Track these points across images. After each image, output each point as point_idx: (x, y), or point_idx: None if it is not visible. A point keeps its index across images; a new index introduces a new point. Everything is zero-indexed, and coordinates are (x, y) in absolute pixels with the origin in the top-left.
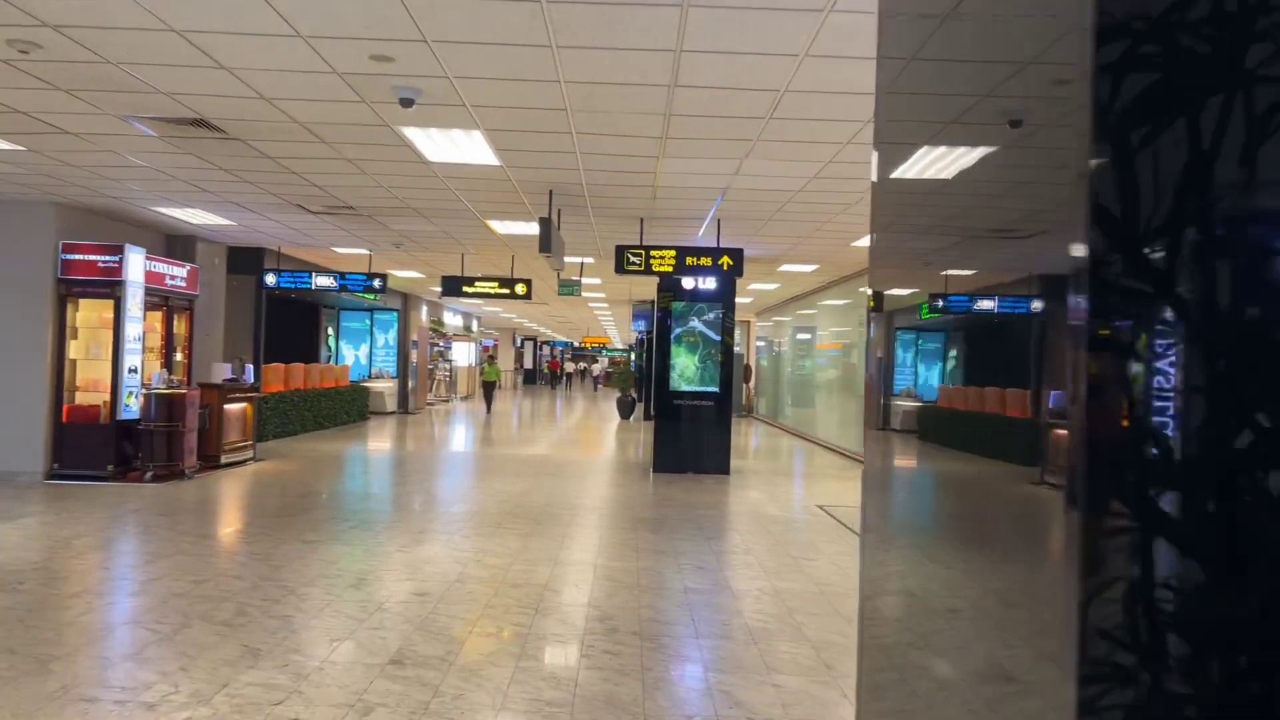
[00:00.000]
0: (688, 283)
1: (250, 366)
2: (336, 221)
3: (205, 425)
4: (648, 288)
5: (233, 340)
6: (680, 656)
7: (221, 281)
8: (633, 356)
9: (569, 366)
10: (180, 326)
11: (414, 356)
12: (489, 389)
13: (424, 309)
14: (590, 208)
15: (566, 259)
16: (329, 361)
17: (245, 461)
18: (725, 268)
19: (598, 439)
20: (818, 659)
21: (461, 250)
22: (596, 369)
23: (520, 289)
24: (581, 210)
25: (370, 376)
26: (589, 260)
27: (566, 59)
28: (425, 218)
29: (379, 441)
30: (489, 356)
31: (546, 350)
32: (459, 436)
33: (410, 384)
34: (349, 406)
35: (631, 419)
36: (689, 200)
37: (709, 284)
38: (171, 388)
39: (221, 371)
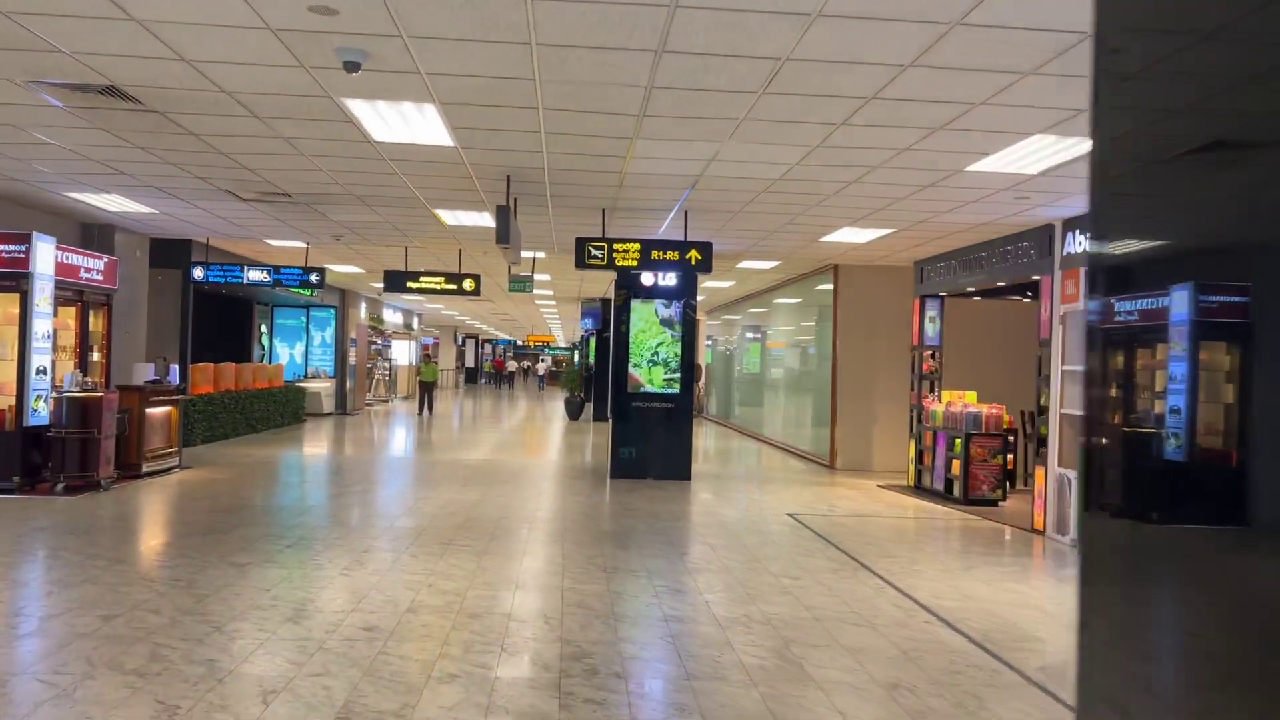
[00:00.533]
0: (646, 279)
1: (175, 367)
2: (271, 211)
3: (124, 431)
4: (598, 285)
5: (157, 339)
6: (675, 705)
7: (144, 275)
8: (577, 355)
9: (511, 365)
10: (97, 324)
11: (352, 355)
12: (427, 390)
13: (363, 306)
14: (550, 196)
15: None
16: (262, 361)
17: (170, 470)
18: (693, 262)
19: (548, 442)
20: (830, 705)
21: (406, 243)
22: (540, 368)
23: (469, 285)
24: (539, 200)
25: (306, 376)
26: (540, 255)
27: (542, 15)
28: (369, 206)
29: (316, 446)
30: (426, 355)
31: (489, 348)
32: (401, 440)
33: (348, 384)
34: (283, 408)
35: (580, 419)
36: (658, 189)
37: (669, 280)
38: (86, 390)
39: (143, 372)
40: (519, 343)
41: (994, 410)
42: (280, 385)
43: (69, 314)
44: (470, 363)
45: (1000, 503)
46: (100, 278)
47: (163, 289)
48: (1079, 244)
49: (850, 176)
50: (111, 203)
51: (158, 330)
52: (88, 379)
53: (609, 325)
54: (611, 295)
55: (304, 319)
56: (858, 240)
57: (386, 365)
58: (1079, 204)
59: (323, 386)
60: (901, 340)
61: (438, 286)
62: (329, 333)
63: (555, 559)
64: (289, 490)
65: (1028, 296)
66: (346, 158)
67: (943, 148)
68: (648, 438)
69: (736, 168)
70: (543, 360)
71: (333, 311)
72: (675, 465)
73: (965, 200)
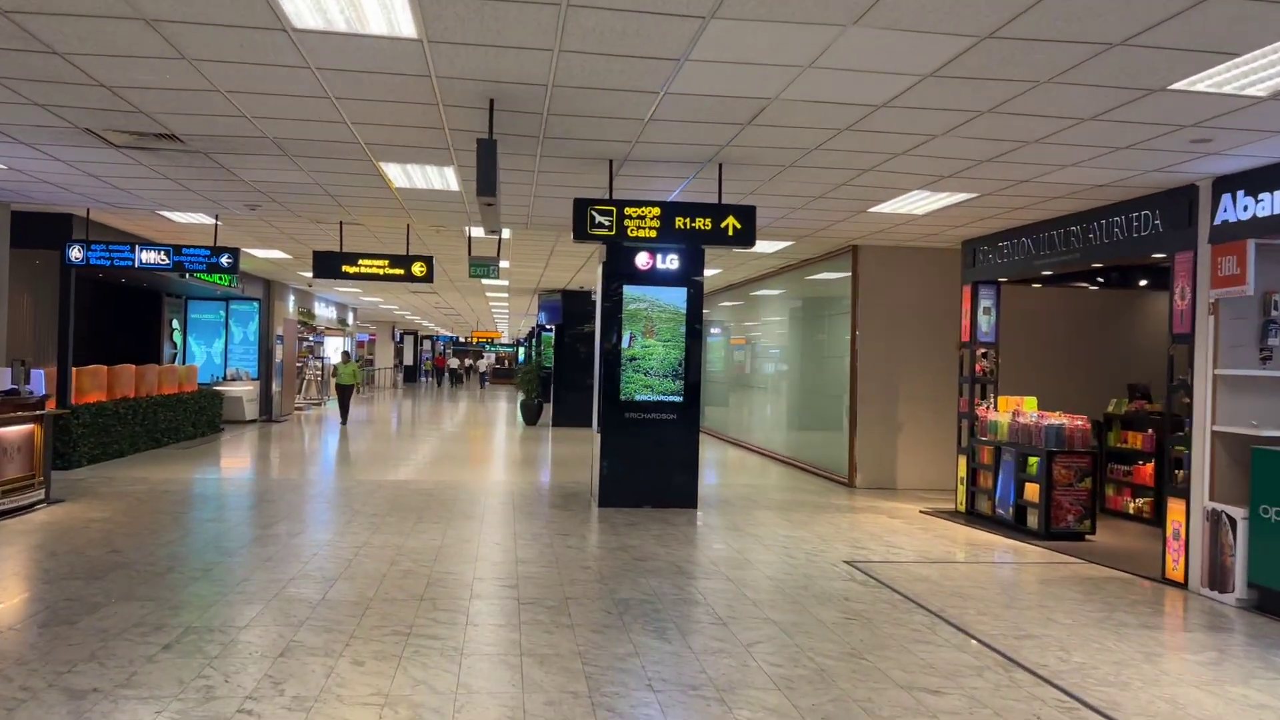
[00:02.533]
0: (642, 260)
1: (39, 373)
2: (156, 165)
3: None
4: (562, 274)
5: (23, 337)
6: None
7: (1, 255)
8: (522, 352)
9: (453, 363)
10: None
11: (279, 354)
12: (345, 394)
13: (291, 299)
14: (544, 137)
15: (478, 231)
16: (174, 361)
17: (30, 507)
18: (731, 233)
19: (510, 454)
20: None
21: (342, 215)
22: (483, 365)
23: (418, 269)
24: (524, 146)
25: (225, 378)
26: (505, 234)
27: None
28: (290, 159)
29: (231, 465)
30: (344, 354)
31: (428, 345)
32: (333, 454)
33: (275, 386)
34: (196, 416)
35: (538, 424)
36: (702, 125)
37: (671, 262)
38: None
39: (1, 379)
40: (461, 339)
41: (1078, 423)
42: (193, 390)
43: None
44: (410, 360)
45: (1087, 536)
46: None
47: (33, 275)
48: (1246, 207)
49: (982, 104)
50: None
51: (25, 326)
52: None
53: (570, 320)
54: (575, 286)
55: (223, 313)
56: (915, 211)
57: (319, 364)
58: (1259, 152)
59: (244, 390)
60: (930, 335)
61: (380, 271)
62: (252, 329)
63: (567, 662)
64: (184, 536)
65: (1112, 280)
66: (255, 66)
67: (1165, 43)
68: (644, 456)
69: (833, 84)
70: (484, 358)
71: (256, 305)
72: (678, 490)
73: (1112, 145)
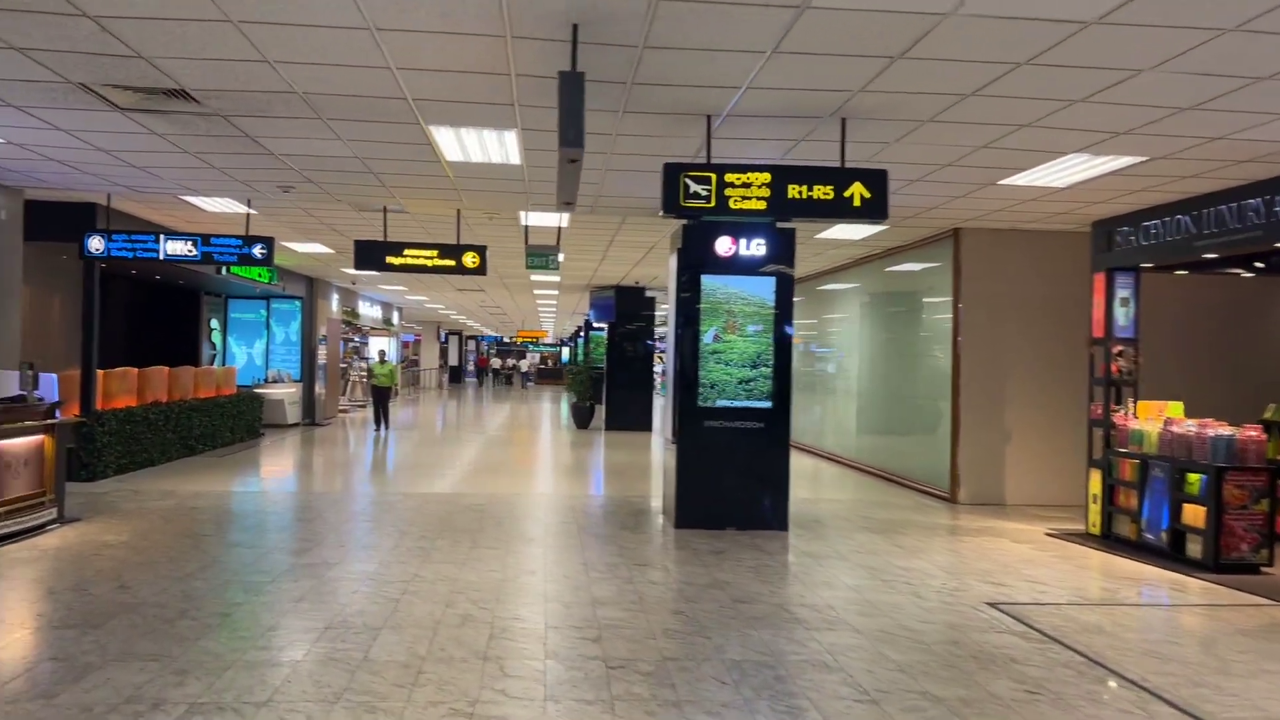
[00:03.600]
0: (723, 246)
1: (51, 377)
2: (171, 133)
3: None
4: (615, 267)
5: (55, 338)
6: None
7: (15, 247)
8: (567, 352)
9: (495, 363)
10: None
11: (322, 354)
12: (381, 397)
13: (334, 297)
14: (631, 84)
15: (535, 218)
16: (213, 362)
17: (40, 528)
18: (856, 203)
19: (564, 461)
20: None
21: (385, 199)
22: (525, 365)
23: (470, 260)
24: (605, 97)
25: (266, 380)
26: (563, 222)
27: None
28: (325, 123)
29: (268, 474)
30: (380, 354)
31: (472, 346)
32: (377, 462)
33: (318, 388)
34: (235, 421)
35: (589, 428)
36: (833, 62)
37: (757, 247)
38: None
39: (8, 384)
40: (505, 339)
41: (1252, 434)
42: (231, 393)
43: None
44: (454, 360)
45: (1263, 568)
46: None
47: (59, 272)
48: None
49: (1229, 19)
50: None
51: (53, 328)
52: None
53: (623, 319)
54: (629, 281)
55: (264, 313)
56: (1056, 183)
57: (363, 365)
58: None
59: (286, 392)
60: (1043, 331)
61: (428, 262)
62: (294, 328)
63: None
64: (200, 567)
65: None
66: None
67: None
68: (727, 470)
69: None
70: (527, 358)
71: (298, 304)
72: (767, 510)
73: None
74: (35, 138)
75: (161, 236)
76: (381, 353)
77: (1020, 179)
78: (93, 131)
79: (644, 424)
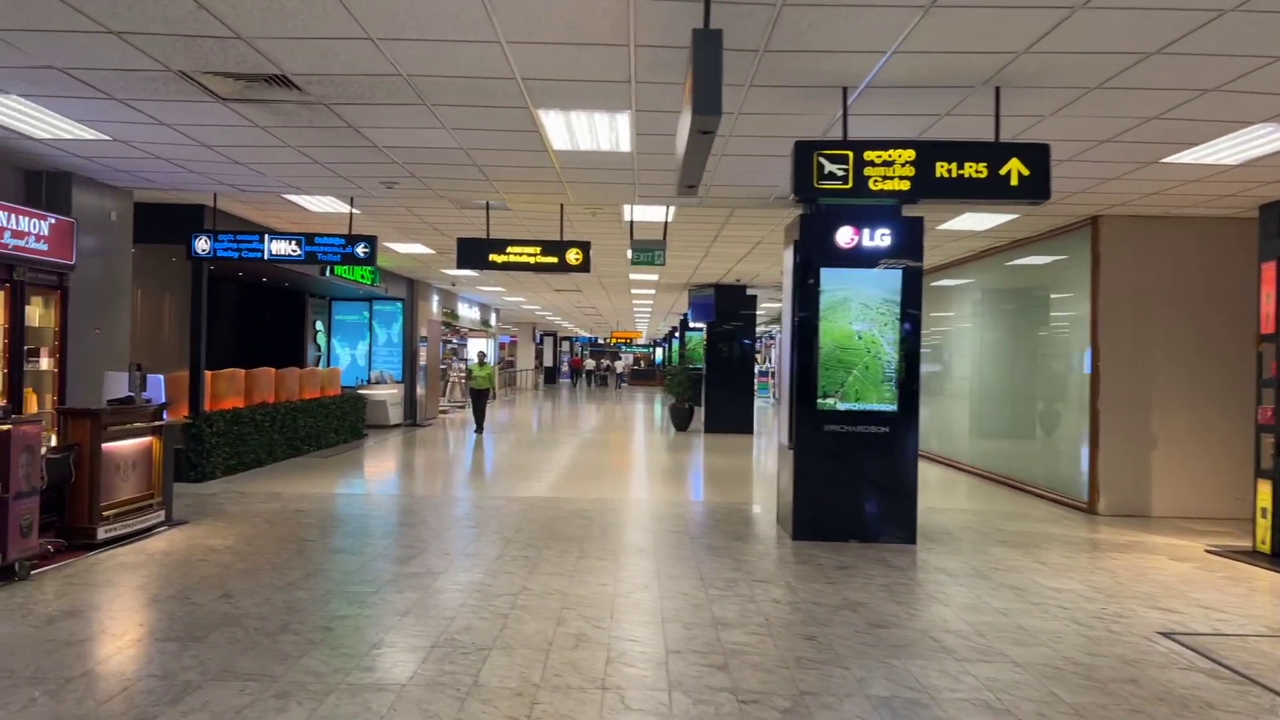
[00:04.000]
0: (844, 237)
1: (158, 379)
2: (273, 125)
3: (67, 478)
4: (717, 264)
5: (169, 339)
6: None
7: (125, 247)
8: (660, 353)
9: (589, 364)
10: (45, 314)
11: (423, 355)
12: (480, 399)
13: (434, 298)
14: (763, 51)
15: (640, 212)
16: (318, 363)
17: (148, 531)
18: (1014, 182)
19: (666, 465)
20: None
21: (488, 194)
22: (620, 366)
23: (573, 257)
24: (732, 69)
25: (369, 381)
26: (669, 215)
27: None
28: (430, 109)
29: (371, 475)
30: (479, 355)
31: (566, 347)
32: (478, 464)
33: (419, 389)
34: (339, 422)
35: (688, 430)
36: (997, 16)
37: (881, 239)
38: None
39: (118, 385)
40: (598, 340)
41: None
42: (335, 394)
43: None
44: (549, 361)
45: None
46: (43, 247)
47: (165, 272)
48: None
49: None
50: (18, 114)
51: (166, 329)
52: None
53: (723, 318)
54: (730, 279)
55: (366, 314)
56: (1228, 160)
57: (462, 366)
58: None
59: (388, 393)
60: (1195, 327)
61: (531, 260)
62: (396, 330)
63: None
64: (303, 575)
65: None
66: None
67: None
68: (850, 477)
69: None
70: (620, 358)
71: (399, 306)
72: (893, 521)
73: None
74: (140, 134)
75: (266, 236)
76: (480, 354)
77: (1188, 155)
78: (196, 125)
79: (744, 426)
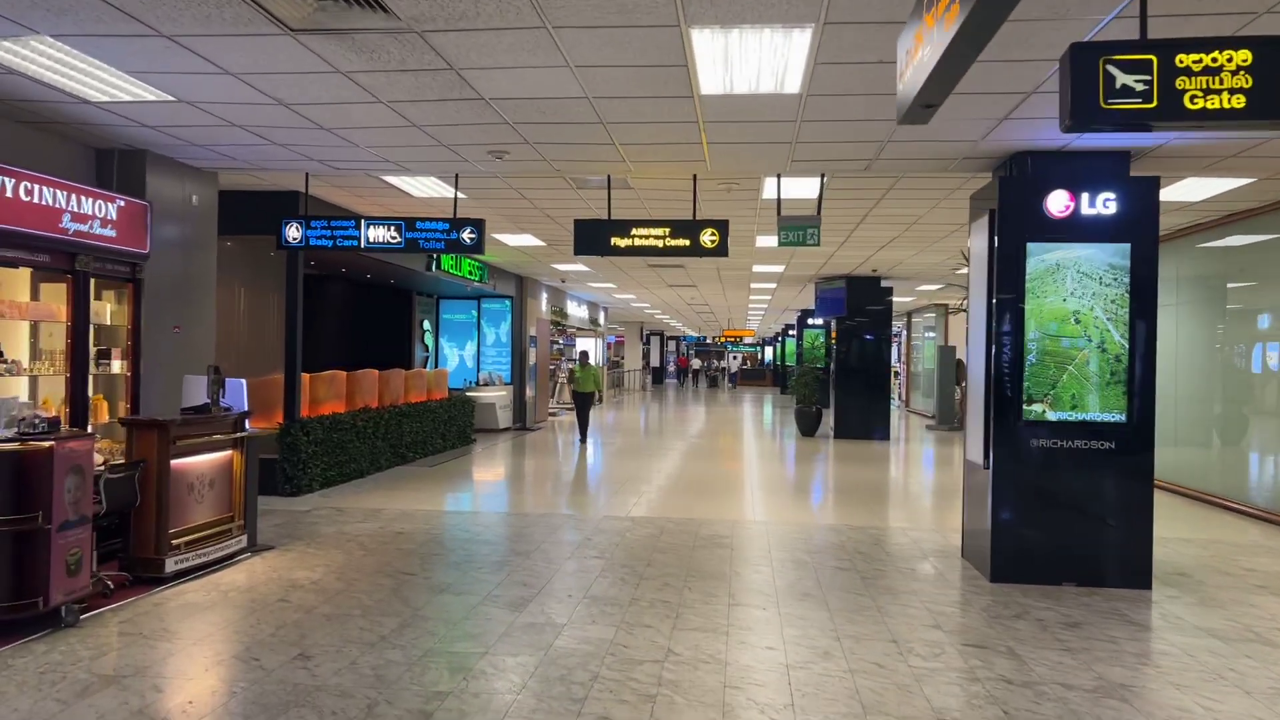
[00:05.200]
0: (1057, 203)
1: (240, 383)
2: (356, 70)
3: (130, 501)
4: (858, 251)
5: (251, 338)
6: None
7: (209, 236)
8: (769, 352)
9: (695, 363)
10: (117, 311)
11: (532, 356)
12: (583, 404)
13: (544, 296)
14: None
15: (788, 184)
16: (426, 365)
17: (227, 560)
18: None
19: (804, 478)
20: None
21: (613, 163)
22: (733, 365)
23: (709, 238)
24: None
25: (478, 383)
26: (813, 192)
27: None
28: (550, 31)
29: (481, 487)
30: (581, 355)
31: (672, 346)
32: (595, 475)
33: (528, 391)
34: (447, 427)
35: (817, 435)
36: None
37: (1105, 205)
38: (25, 433)
39: (198, 391)
40: (707, 339)
41: None
42: (443, 397)
43: (54, 294)
44: (655, 361)
45: None
46: (110, 233)
47: (259, 267)
48: None
49: None
50: (61, 67)
51: (246, 326)
52: (38, 411)
53: (855, 312)
54: (866, 271)
55: (475, 313)
56: None
57: (570, 367)
58: None
59: (497, 395)
60: None
61: (659, 243)
62: (504, 329)
63: None
64: (399, 625)
65: None
66: None
67: None
68: (1065, 505)
69: None
70: (727, 358)
71: (508, 304)
72: (1121, 559)
73: None
74: (205, 90)
75: (362, 222)
76: (583, 355)
77: None
78: (266, 74)
79: (878, 431)
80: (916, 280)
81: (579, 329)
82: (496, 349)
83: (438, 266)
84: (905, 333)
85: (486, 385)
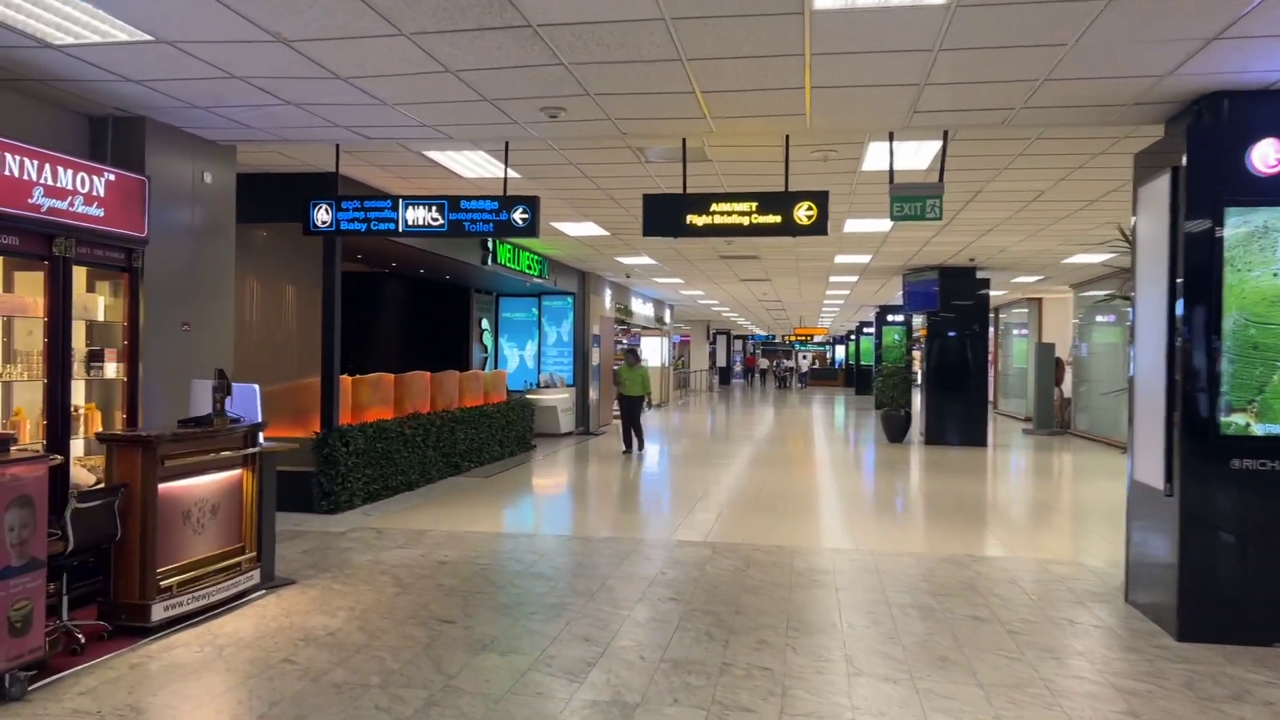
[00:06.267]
0: (1265, 155)
1: (252, 389)
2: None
3: (109, 534)
4: (959, 236)
5: (309, 341)
6: None
7: (224, 220)
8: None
9: (762, 363)
10: (112, 306)
11: (595, 356)
12: (631, 410)
13: (607, 293)
14: None
15: (899, 149)
16: (484, 366)
17: (233, 602)
18: None
19: (902, 493)
20: None
21: (691, 120)
22: (800, 365)
23: (803, 213)
24: None
25: (539, 385)
26: (929, 156)
27: None
28: None
29: (539, 503)
30: (628, 352)
31: (739, 346)
32: (665, 488)
33: (592, 394)
34: (505, 432)
35: (904, 442)
36: None
37: None
38: None
39: (204, 398)
40: (775, 338)
41: None
42: (500, 400)
43: (29, 283)
44: (722, 361)
45: None
46: (97, 211)
47: (297, 257)
48: None
49: None
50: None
51: (308, 328)
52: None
53: (946, 307)
54: (960, 261)
55: (535, 310)
56: None
57: (616, 367)
58: None
59: (559, 398)
60: None
61: (744, 220)
62: (566, 328)
63: None
64: (420, 707)
65: None
66: None
67: None
68: (1273, 543)
69: None
70: (795, 357)
71: (570, 300)
72: None
73: None
74: (183, 21)
75: (400, 202)
76: (630, 351)
77: None
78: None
79: (975, 437)
80: (1013, 271)
81: (644, 327)
82: (558, 349)
83: (494, 260)
84: (992, 329)
85: (547, 387)
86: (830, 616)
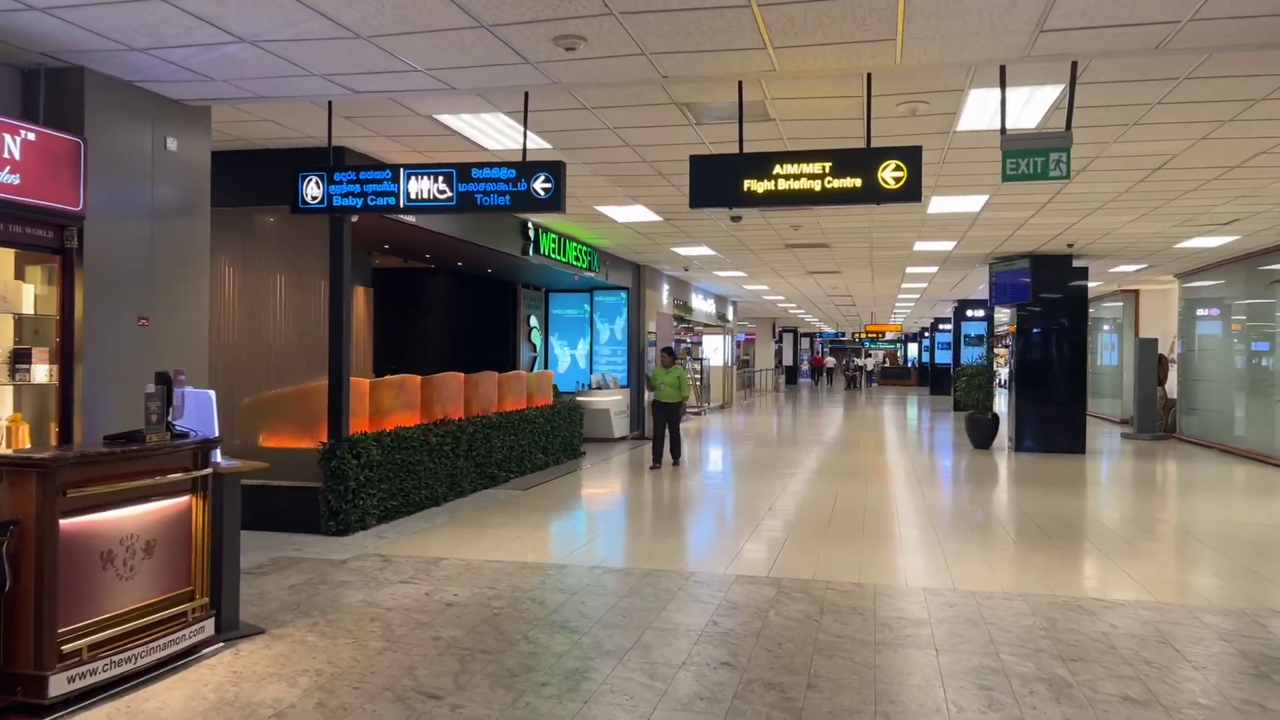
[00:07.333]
0: None
1: (207, 395)
2: None
3: None
4: (1058, 218)
5: (295, 337)
6: None
7: (195, 200)
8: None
9: (829, 361)
10: (45, 295)
11: (651, 355)
12: (668, 418)
13: (664, 288)
14: None
15: (1012, 95)
16: (533, 366)
17: (175, 662)
18: None
19: (1008, 514)
20: None
21: (746, 55)
22: (871, 364)
23: (888, 175)
24: None
25: (590, 386)
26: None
27: None
28: None
29: (578, 522)
30: (663, 352)
31: (805, 344)
32: (727, 505)
33: (648, 395)
34: (549, 438)
35: (991, 449)
36: None
37: None
38: None
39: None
40: (843, 335)
41: None
42: (545, 403)
43: None
44: (788, 360)
45: None
46: (11, 179)
47: (302, 243)
48: None
49: None
50: None
51: (277, 315)
52: None
53: (1040, 300)
54: (1058, 247)
55: (587, 307)
56: None
57: (696, 368)
58: None
59: (611, 400)
60: None
61: (817, 185)
62: (620, 325)
63: None
64: None
65: None
66: None
67: None
68: None
69: None
70: (864, 356)
71: (624, 295)
72: None
73: None
74: None
75: (402, 173)
76: (666, 351)
77: None
78: None
79: (1071, 444)
80: (1114, 259)
81: (705, 325)
82: (611, 347)
83: (536, 250)
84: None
85: (600, 389)
86: (932, 695)
